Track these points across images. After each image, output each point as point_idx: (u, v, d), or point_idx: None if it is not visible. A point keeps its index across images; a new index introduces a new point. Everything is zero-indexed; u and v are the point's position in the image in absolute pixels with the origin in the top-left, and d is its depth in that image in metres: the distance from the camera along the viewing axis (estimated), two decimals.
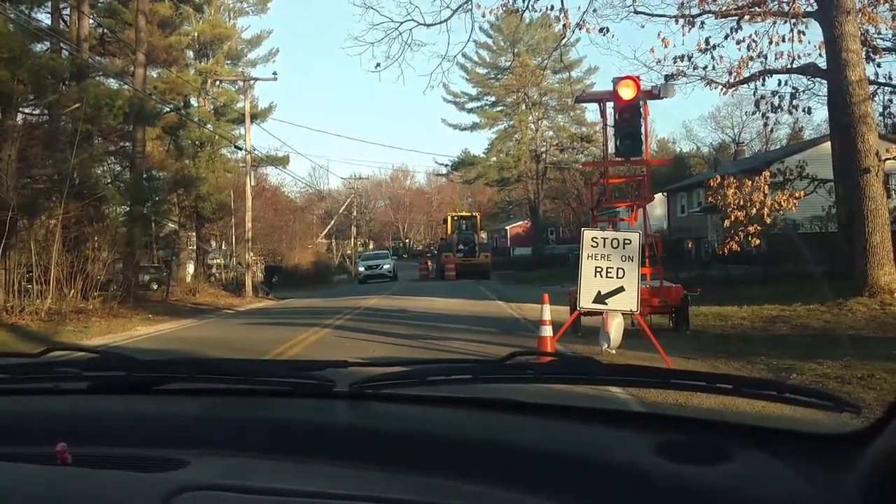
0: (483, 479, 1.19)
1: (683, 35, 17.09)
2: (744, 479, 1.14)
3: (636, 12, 16.70)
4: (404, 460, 1.28)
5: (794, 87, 16.74)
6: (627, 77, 10.27)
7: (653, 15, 16.87)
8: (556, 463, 1.23)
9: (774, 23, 16.08)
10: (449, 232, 43.37)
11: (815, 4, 15.08)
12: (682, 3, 16.35)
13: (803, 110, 17.41)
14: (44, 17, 22.33)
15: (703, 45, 16.22)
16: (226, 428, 1.45)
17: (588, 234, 9.09)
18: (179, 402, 1.62)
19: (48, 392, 1.65)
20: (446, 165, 59.20)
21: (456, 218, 45.30)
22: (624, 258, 8.82)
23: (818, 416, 1.75)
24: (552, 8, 16.67)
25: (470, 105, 54.11)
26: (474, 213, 48.98)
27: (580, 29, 16.80)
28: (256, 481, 1.17)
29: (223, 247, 35.90)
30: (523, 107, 52.38)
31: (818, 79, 16.13)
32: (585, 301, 8.88)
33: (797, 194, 15.61)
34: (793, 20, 15.67)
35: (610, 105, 10.62)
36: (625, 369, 1.63)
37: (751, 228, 15.07)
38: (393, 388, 1.54)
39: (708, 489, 1.12)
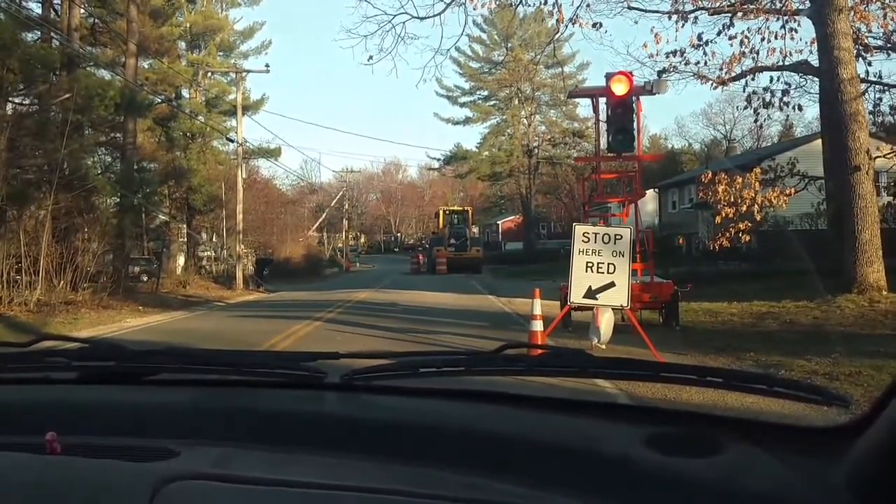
0: (473, 470, 1.19)
1: (677, 31, 17.16)
2: (733, 470, 1.15)
3: (630, 8, 16.71)
4: (395, 451, 1.28)
5: (786, 83, 16.79)
6: (620, 72, 10.28)
7: (646, 10, 16.87)
8: (546, 454, 1.23)
9: (767, 20, 16.10)
10: (440, 226, 43.37)
11: (807, 2, 15.10)
12: None
13: (794, 107, 17.48)
14: (34, 6, 22.21)
15: (695, 41, 16.24)
16: (216, 418, 1.44)
17: (579, 230, 9.11)
18: (169, 393, 1.60)
19: (37, 382, 1.63)
20: (438, 160, 59.06)
21: (448, 212, 45.33)
22: (615, 253, 8.85)
23: (807, 412, 1.76)
24: (546, 2, 16.67)
25: (463, 99, 53.99)
26: (466, 208, 49.01)
27: (573, 24, 16.84)
28: (247, 471, 1.16)
29: (214, 239, 35.75)
30: (516, 101, 52.30)
31: (810, 76, 16.17)
32: (576, 296, 8.91)
33: (788, 191, 15.65)
34: (785, 17, 15.70)
35: (602, 100, 10.62)
36: (616, 362, 1.63)
37: (741, 225, 15.11)
38: (384, 380, 1.54)
39: (697, 480, 1.12)
